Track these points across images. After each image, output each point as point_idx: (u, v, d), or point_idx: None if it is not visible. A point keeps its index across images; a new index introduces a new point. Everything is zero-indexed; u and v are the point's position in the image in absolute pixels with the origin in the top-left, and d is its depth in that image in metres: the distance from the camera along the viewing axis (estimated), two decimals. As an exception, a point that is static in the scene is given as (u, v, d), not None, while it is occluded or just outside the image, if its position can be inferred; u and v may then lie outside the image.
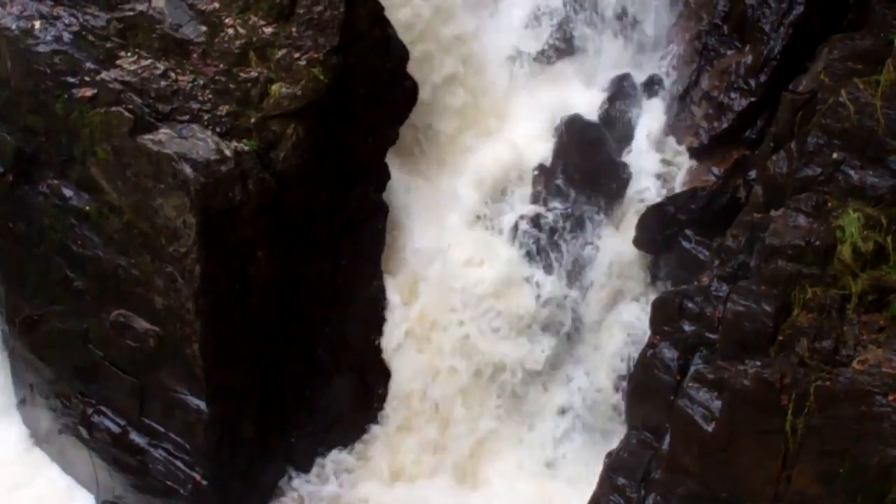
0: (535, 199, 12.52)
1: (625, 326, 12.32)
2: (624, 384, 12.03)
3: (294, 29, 11.07)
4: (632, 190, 12.42)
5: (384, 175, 12.19)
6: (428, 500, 12.43)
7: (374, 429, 12.72)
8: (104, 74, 10.83)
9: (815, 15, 11.39)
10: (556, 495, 12.34)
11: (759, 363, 9.46)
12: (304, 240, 11.50)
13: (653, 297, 11.63)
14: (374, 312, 12.44)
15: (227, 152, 10.62)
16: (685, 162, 12.17)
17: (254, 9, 11.07)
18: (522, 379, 12.52)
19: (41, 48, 10.86)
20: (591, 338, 12.52)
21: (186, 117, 10.80)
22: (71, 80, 10.83)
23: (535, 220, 12.42)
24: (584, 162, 12.48)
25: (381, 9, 11.47)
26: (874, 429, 8.88)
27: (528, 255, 12.40)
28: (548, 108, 12.76)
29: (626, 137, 12.60)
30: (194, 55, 11.00)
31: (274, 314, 11.44)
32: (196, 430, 11.35)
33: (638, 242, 12.15)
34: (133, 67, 10.87)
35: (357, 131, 11.61)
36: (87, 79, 10.83)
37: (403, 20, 12.19)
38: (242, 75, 10.97)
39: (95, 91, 10.77)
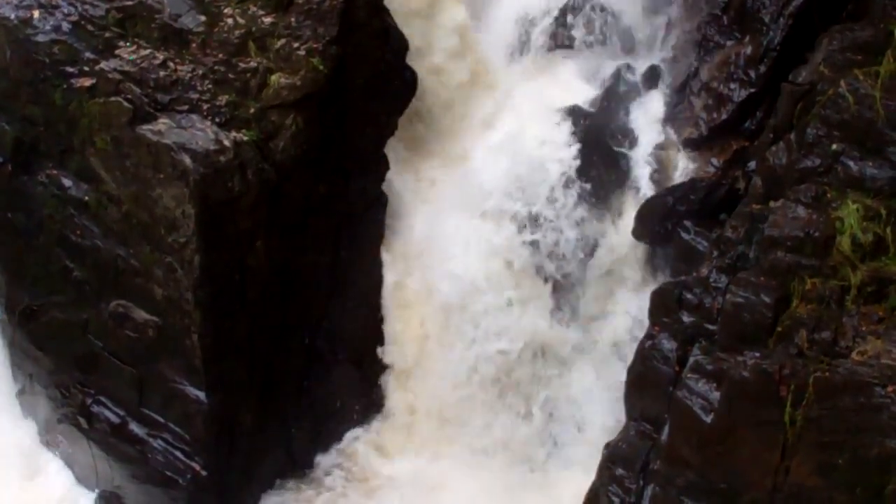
0: (535, 191, 12.50)
1: (624, 317, 12.33)
2: (623, 375, 12.03)
3: (293, 19, 11.07)
4: (631, 181, 12.41)
5: (383, 166, 12.18)
6: (429, 491, 12.44)
7: (374, 420, 12.73)
8: (103, 64, 10.82)
9: (815, 5, 11.36)
10: (556, 484, 12.36)
11: (757, 354, 9.47)
12: (303, 231, 11.50)
13: (652, 288, 11.64)
14: (372, 303, 12.44)
15: (227, 143, 10.62)
16: (684, 153, 12.16)
17: (253, -1, 11.08)
18: (523, 367, 12.52)
19: (40, 38, 10.85)
20: (591, 328, 12.52)
21: (185, 107, 10.79)
22: (70, 69, 10.82)
23: (535, 211, 12.41)
24: (584, 153, 12.47)
25: (381, -1, 11.48)
26: (873, 420, 8.88)
27: (529, 245, 12.39)
28: (548, 99, 12.75)
29: (626, 128, 12.59)
30: (193, 45, 10.99)
31: (273, 305, 11.44)
32: (195, 420, 11.36)
33: (637, 233, 12.15)
34: (132, 57, 10.86)
35: (356, 122, 11.60)
36: (86, 69, 10.82)
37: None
38: (242, 65, 10.96)
39: (94, 81, 10.76)
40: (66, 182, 11.18)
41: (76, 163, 11.08)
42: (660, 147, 12.33)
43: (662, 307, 10.65)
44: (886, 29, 10.26)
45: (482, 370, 12.50)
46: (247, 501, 12.14)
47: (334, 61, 11.03)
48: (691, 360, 9.96)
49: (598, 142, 12.48)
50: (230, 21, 11.03)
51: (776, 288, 9.64)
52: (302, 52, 10.95)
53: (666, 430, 10.20)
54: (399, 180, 12.64)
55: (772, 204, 10.20)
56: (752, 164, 11.32)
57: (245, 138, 10.78)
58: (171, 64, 10.89)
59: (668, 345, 10.47)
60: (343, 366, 12.47)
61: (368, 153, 11.97)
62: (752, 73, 11.64)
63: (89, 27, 10.92)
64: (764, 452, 9.42)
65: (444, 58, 12.92)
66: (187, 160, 10.38)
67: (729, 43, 11.96)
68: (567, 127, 12.50)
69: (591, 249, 12.47)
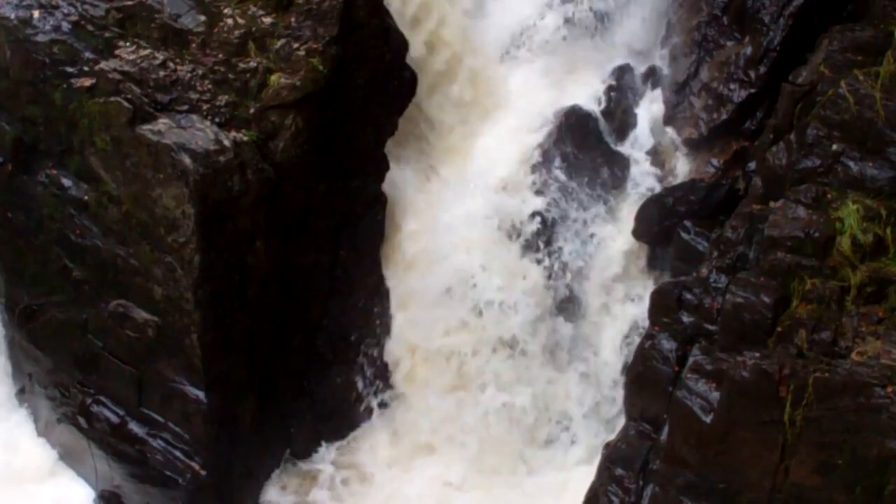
0: (534, 190, 12.50)
1: (623, 317, 12.33)
2: (623, 375, 12.05)
3: (293, 19, 11.06)
4: (631, 181, 12.41)
5: (383, 166, 12.18)
6: (428, 489, 12.45)
7: (373, 419, 12.74)
8: (103, 64, 10.82)
9: (815, 6, 11.37)
10: (557, 483, 12.36)
11: (757, 355, 9.48)
12: (303, 231, 11.50)
13: (651, 288, 11.65)
14: (372, 303, 12.44)
15: (226, 143, 10.62)
16: (684, 153, 12.16)
17: (252, -1, 11.08)
18: (523, 365, 12.52)
19: (40, 38, 10.84)
20: (590, 329, 12.53)
21: (185, 107, 10.79)
22: (70, 69, 10.82)
23: (535, 211, 12.41)
24: (584, 153, 12.47)
25: (381, -1, 11.48)
26: (872, 420, 8.90)
27: (529, 246, 12.40)
28: (548, 99, 12.74)
29: (626, 128, 12.60)
30: (193, 45, 10.98)
31: (273, 305, 11.44)
32: (195, 420, 11.35)
33: (637, 233, 12.16)
34: (132, 57, 10.86)
35: (356, 122, 11.60)
36: (85, 69, 10.81)
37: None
38: (241, 65, 10.96)
39: (94, 81, 10.76)
40: (66, 182, 11.17)
41: (76, 162, 11.08)
42: (660, 147, 12.33)
43: (662, 307, 10.66)
44: (886, 29, 10.29)
45: (482, 369, 12.51)
46: (246, 501, 12.14)
47: (334, 61, 11.03)
48: (691, 360, 9.97)
49: (598, 141, 12.49)
50: (230, 21, 11.02)
51: (776, 288, 9.65)
52: (302, 53, 10.95)
53: (665, 430, 10.21)
54: (400, 180, 12.62)
55: (772, 204, 10.21)
56: (752, 165, 11.33)
57: (245, 138, 10.78)
58: (170, 64, 10.89)
59: (668, 345, 10.49)
60: (342, 365, 12.47)
61: (368, 153, 11.97)
62: (752, 74, 11.65)
63: (89, 27, 10.91)
64: (763, 452, 9.43)
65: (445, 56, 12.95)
66: (187, 160, 10.38)
67: (729, 43, 11.97)
68: (567, 127, 12.49)
69: (590, 248, 12.46)
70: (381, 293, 12.45)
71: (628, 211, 12.28)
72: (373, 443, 12.74)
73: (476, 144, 12.83)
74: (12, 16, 10.90)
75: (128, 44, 10.94)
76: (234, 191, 10.60)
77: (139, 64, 10.84)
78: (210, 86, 10.88)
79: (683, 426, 9.88)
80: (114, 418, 11.80)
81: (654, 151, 12.32)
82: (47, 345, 11.94)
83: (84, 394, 11.89)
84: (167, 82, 10.82)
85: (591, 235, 12.47)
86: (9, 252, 11.74)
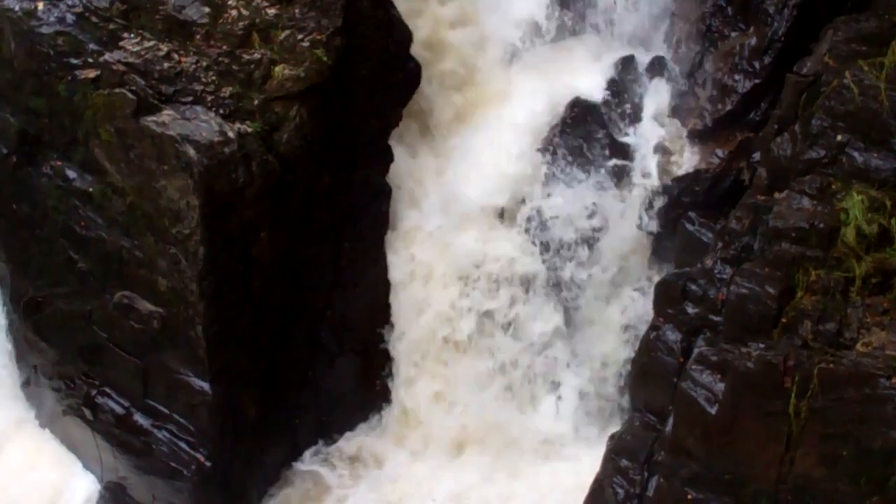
0: (538, 182, 12.49)
1: (628, 309, 12.33)
2: (627, 367, 12.06)
3: (297, 10, 11.06)
4: (635, 172, 12.39)
5: (387, 157, 12.17)
6: (431, 481, 12.47)
7: (379, 410, 12.76)
8: (107, 56, 10.81)
9: (820, -4, 11.38)
10: (561, 476, 12.38)
11: (762, 346, 9.48)
12: (307, 222, 11.50)
13: (656, 279, 11.65)
14: (377, 294, 12.45)
15: (231, 134, 10.62)
16: (689, 144, 12.15)
17: (256, -11, 11.06)
18: (529, 355, 12.52)
19: (44, 29, 10.84)
20: (595, 320, 12.53)
21: (189, 99, 10.79)
22: (74, 61, 10.82)
23: (539, 202, 12.40)
24: (588, 144, 12.45)
25: (385, -10, 11.46)
26: (877, 411, 8.91)
27: (532, 236, 12.39)
28: (552, 89, 12.71)
29: (630, 119, 12.56)
30: (197, 36, 10.98)
31: (277, 296, 11.45)
32: (200, 411, 11.37)
33: (641, 225, 12.14)
34: (136, 49, 10.86)
35: (360, 113, 11.59)
36: (90, 60, 10.82)
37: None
38: (245, 57, 10.96)
39: (98, 72, 10.76)
40: (71, 173, 11.19)
41: (80, 154, 11.09)
42: (664, 138, 12.31)
43: (667, 298, 10.67)
44: (891, 20, 10.27)
45: (487, 361, 12.52)
46: (250, 492, 12.17)
47: (338, 52, 11.02)
48: (696, 351, 9.99)
49: (603, 133, 12.46)
50: (234, 13, 11.02)
51: (781, 279, 9.65)
52: (306, 44, 10.94)
53: (670, 421, 10.23)
54: (404, 172, 12.62)
55: (776, 195, 10.20)
56: (757, 156, 11.32)
57: (249, 130, 10.77)
58: (175, 55, 10.88)
59: (673, 336, 10.50)
60: (347, 357, 12.48)
61: (372, 144, 11.96)
62: (757, 64, 11.63)
63: (93, 19, 10.91)
64: (768, 443, 9.44)
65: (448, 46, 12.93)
66: (191, 151, 10.39)
67: (734, 34, 11.95)
68: (571, 118, 12.47)
69: (595, 240, 12.46)
70: (385, 284, 12.46)
71: (632, 202, 12.26)
72: (378, 433, 12.76)
73: (480, 136, 12.79)
74: (17, 7, 10.91)
75: (132, 35, 10.94)
76: (238, 182, 10.60)
77: (143, 55, 10.84)
78: (214, 77, 10.88)
79: (688, 417, 9.89)
80: (119, 410, 11.83)
81: (658, 142, 12.29)
82: (52, 336, 11.97)
83: (89, 385, 11.92)
84: (171, 74, 10.82)
85: (595, 226, 12.46)
86: (14, 244, 11.77)
